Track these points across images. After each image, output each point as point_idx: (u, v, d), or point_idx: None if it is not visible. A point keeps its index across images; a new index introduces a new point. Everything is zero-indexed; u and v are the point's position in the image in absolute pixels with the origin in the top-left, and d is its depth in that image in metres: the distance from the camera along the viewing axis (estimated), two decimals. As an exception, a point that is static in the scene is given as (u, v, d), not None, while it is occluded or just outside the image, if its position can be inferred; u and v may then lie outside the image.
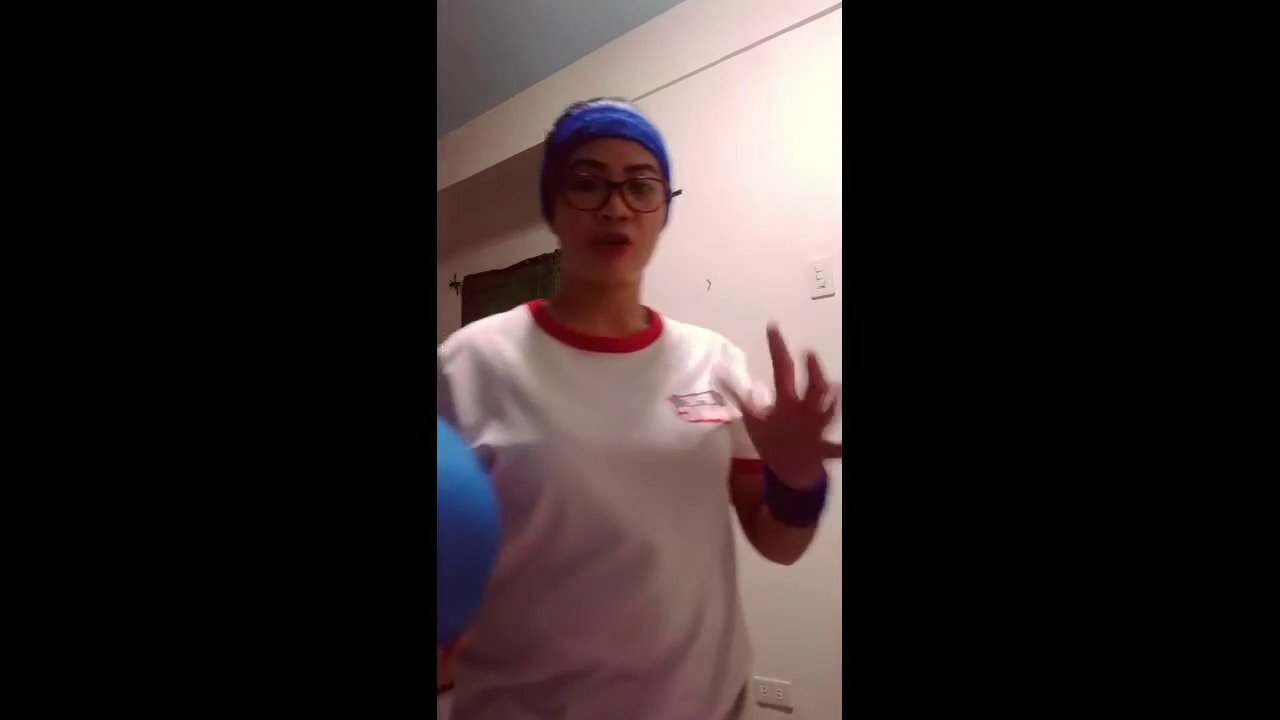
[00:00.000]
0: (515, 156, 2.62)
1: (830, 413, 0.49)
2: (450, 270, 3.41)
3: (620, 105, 0.64)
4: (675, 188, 0.68)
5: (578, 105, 0.66)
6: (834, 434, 0.50)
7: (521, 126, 2.60)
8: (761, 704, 1.70)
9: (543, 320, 0.66)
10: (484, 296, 3.22)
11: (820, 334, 1.69)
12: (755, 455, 0.58)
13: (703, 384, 0.65)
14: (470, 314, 3.27)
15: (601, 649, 0.55)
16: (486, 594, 0.48)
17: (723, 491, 0.64)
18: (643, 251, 0.63)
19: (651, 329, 0.68)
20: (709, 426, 0.61)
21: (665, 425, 0.60)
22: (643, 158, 0.61)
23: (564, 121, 0.65)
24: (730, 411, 0.62)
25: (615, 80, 2.28)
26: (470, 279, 3.31)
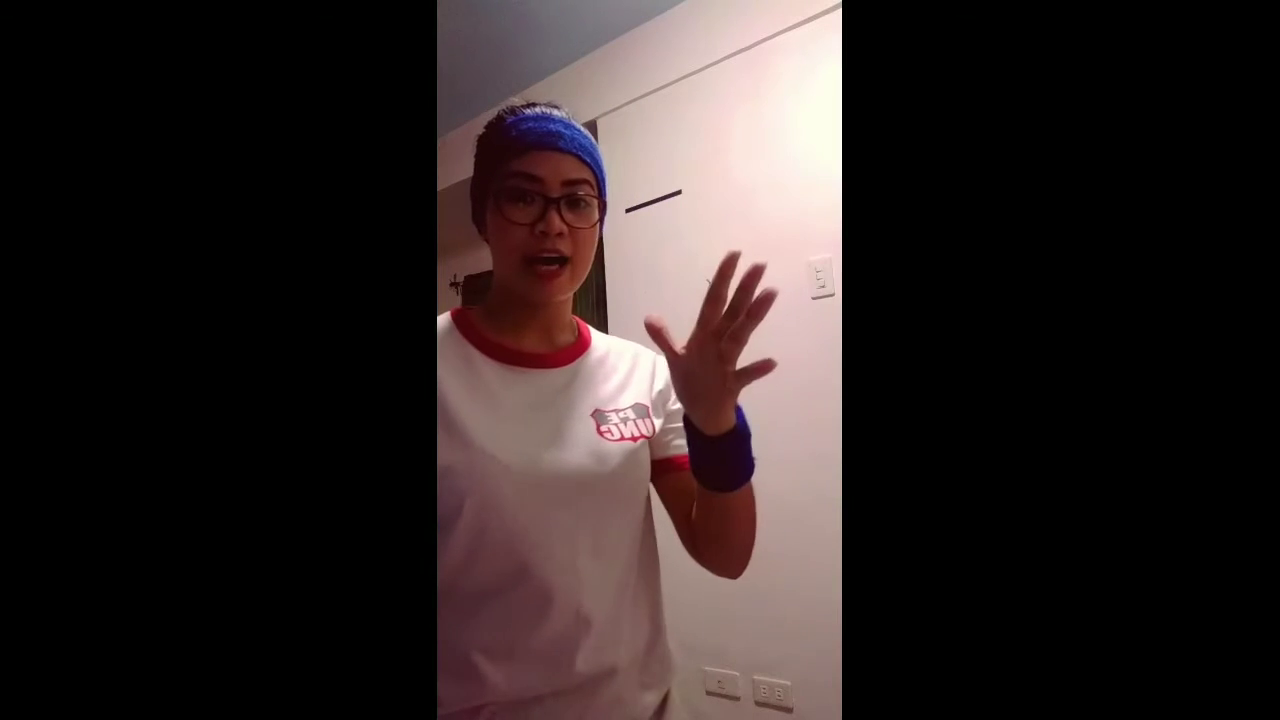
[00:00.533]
0: (515, 156, 2.62)
1: (738, 334, 0.49)
2: (450, 270, 3.41)
3: (557, 114, 0.62)
4: (606, 201, 0.66)
5: (511, 109, 0.63)
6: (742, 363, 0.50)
7: (521, 126, 2.60)
8: (761, 704, 1.70)
9: (468, 331, 0.64)
10: (484, 296, 3.22)
11: (820, 334, 1.70)
12: (683, 450, 0.59)
13: (627, 399, 0.64)
14: (470, 314, 3.27)
15: (528, 674, 0.55)
16: None
17: (641, 507, 0.64)
18: (579, 269, 0.61)
19: (578, 343, 0.68)
20: (630, 445, 0.61)
21: (585, 445, 0.59)
22: (580, 172, 0.59)
23: (498, 125, 0.62)
24: (651, 426, 0.62)
25: (615, 80, 2.28)
26: (470, 279, 3.31)
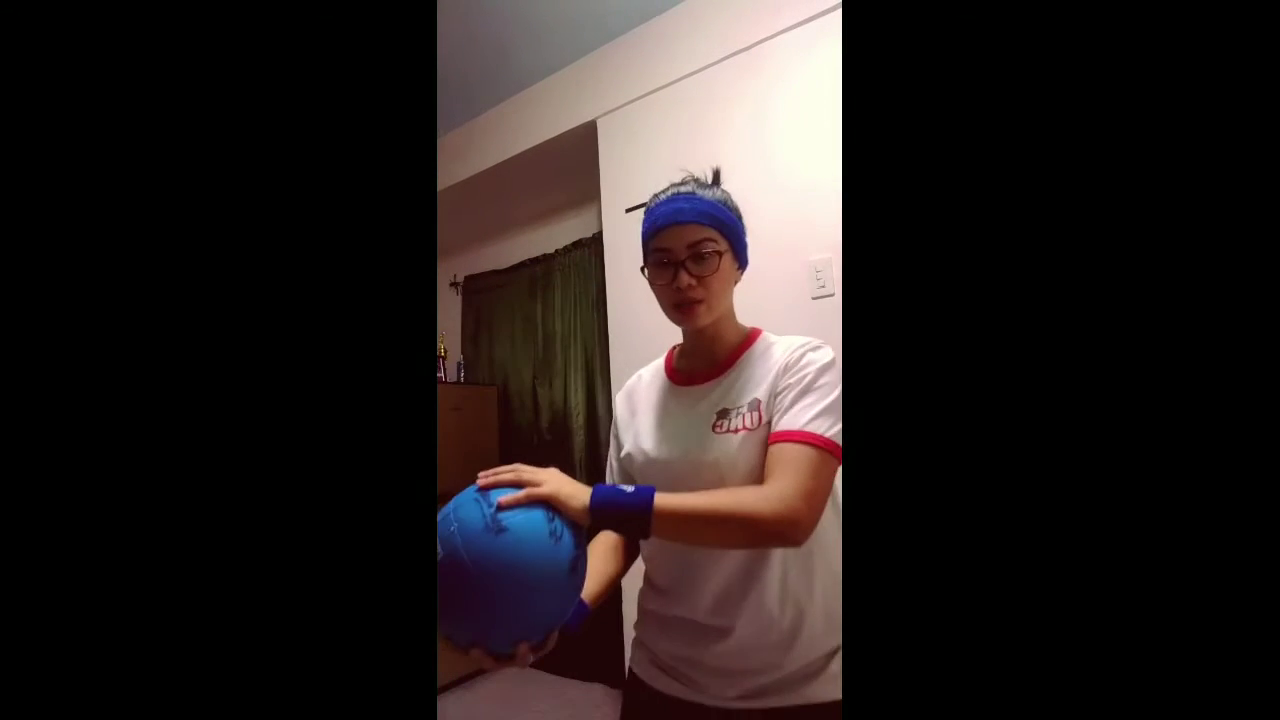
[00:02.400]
0: (515, 156, 2.62)
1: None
2: (450, 270, 3.41)
3: (683, 192, 0.80)
4: (745, 238, 0.84)
5: (655, 196, 0.83)
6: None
7: (521, 126, 2.60)
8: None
9: (667, 363, 0.91)
10: (484, 296, 3.22)
11: (820, 334, 1.69)
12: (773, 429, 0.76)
13: (748, 395, 0.78)
14: (470, 314, 3.27)
15: (664, 598, 0.82)
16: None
17: (751, 481, 0.76)
18: (713, 302, 0.79)
19: (733, 353, 0.83)
20: (734, 436, 0.76)
21: (700, 438, 0.78)
22: (700, 234, 0.77)
23: (645, 215, 0.84)
24: (758, 418, 0.76)
25: (615, 80, 2.28)
26: (470, 279, 3.31)
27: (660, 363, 0.92)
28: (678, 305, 0.79)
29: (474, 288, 3.28)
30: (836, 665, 0.74)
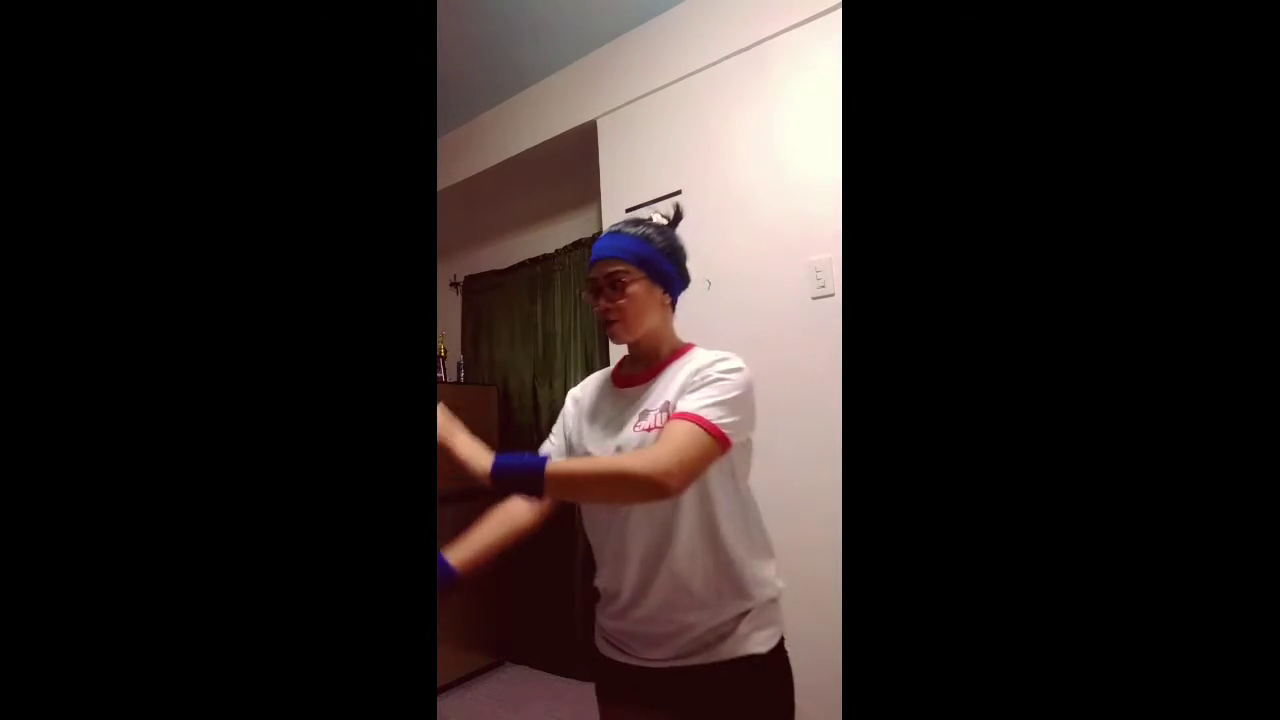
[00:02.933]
0: (515, 156, 2.62)
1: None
2: (450, 270, 3.40)
3: (611, 230, 0.95)
4: (670, 266, 0.95)
5: (598, 233, 0.99)
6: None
7: (521, 126, 2.60)
8: (761, 704, 1.69)
9: (615, 368, 1.02)
10: (484, 296, 3.22)
11: (820, 334, 1.70)
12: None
13: (666, 397, 0.89)
14: (470, 314, 3.27)
15: (605, 578, 0.93)
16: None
17: None
18: (629, 323, 0.92)
19: (662, 361, 0.95)
20: (649, 434, 0.88)
21: (625, 435, 0.90)
22: (614, 266, 0.91)
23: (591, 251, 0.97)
24: (665, 418, 0.86)
25: (615, 80, 2.28)
26: (470, 279, 3.31)
27: (603, 373, 1.06)
28: (603, 325, 0.95)
29: (474, 288, 3.28)
30: (744, 626, 0.86)
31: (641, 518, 0.86)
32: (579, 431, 0.98)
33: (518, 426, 2.97)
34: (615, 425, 0.92)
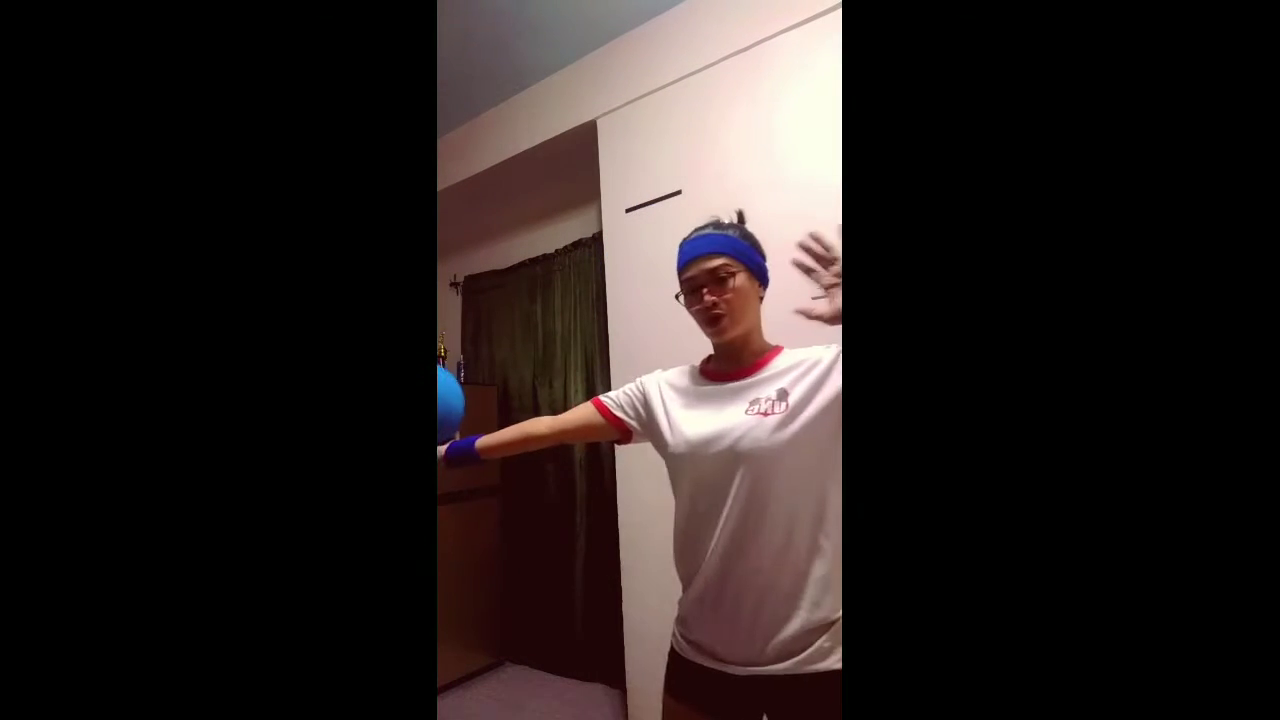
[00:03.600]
0: (515, 156, 2.62)
1: (830, 263, 0.83)
2: (450, 270, 3.41)
3: (703, 232, 0.99)
4: (762, 261, 0.99)
5: (684, 240, 1.01)
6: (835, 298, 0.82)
7: (521, 126, 2.60)
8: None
9: (703, 367, 1.05)
10: (484, 296, 3.22)
11: (820, 334, 1.69)
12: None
13: (774, 387, 0.91)
14: (470, 314, 3.27)
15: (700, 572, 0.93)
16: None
17: (765, 462, 0.88)
18: (736, 315, 0.94)
19: (762, 360, 0.97)
20: (762, 417, 0.89)
21: (739, 422, 0.90)
22: (717, 261, 0.94)
23: (678, 254, 1.01)
24: (786, 405, 0.89)
25: (615, 80, 2.28)
26: (470, 279, 3.31)
27: (688, 368, 1.07)
28: (709, 321, 0.95)
29: (474, 288, 3.28)
30: (829, 640, 0.85)
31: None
32: (670, 417, 0.99)
33: (518, 426, 2.97)
34: (721, 413, 0.93)
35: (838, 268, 0.81)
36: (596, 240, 2.63)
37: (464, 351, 3.26)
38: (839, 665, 0.84)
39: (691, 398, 0.99)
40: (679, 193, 2.06)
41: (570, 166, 2.64)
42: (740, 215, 1.06)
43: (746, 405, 0.91)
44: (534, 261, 2.98)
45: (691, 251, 0.96)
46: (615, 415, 1.06)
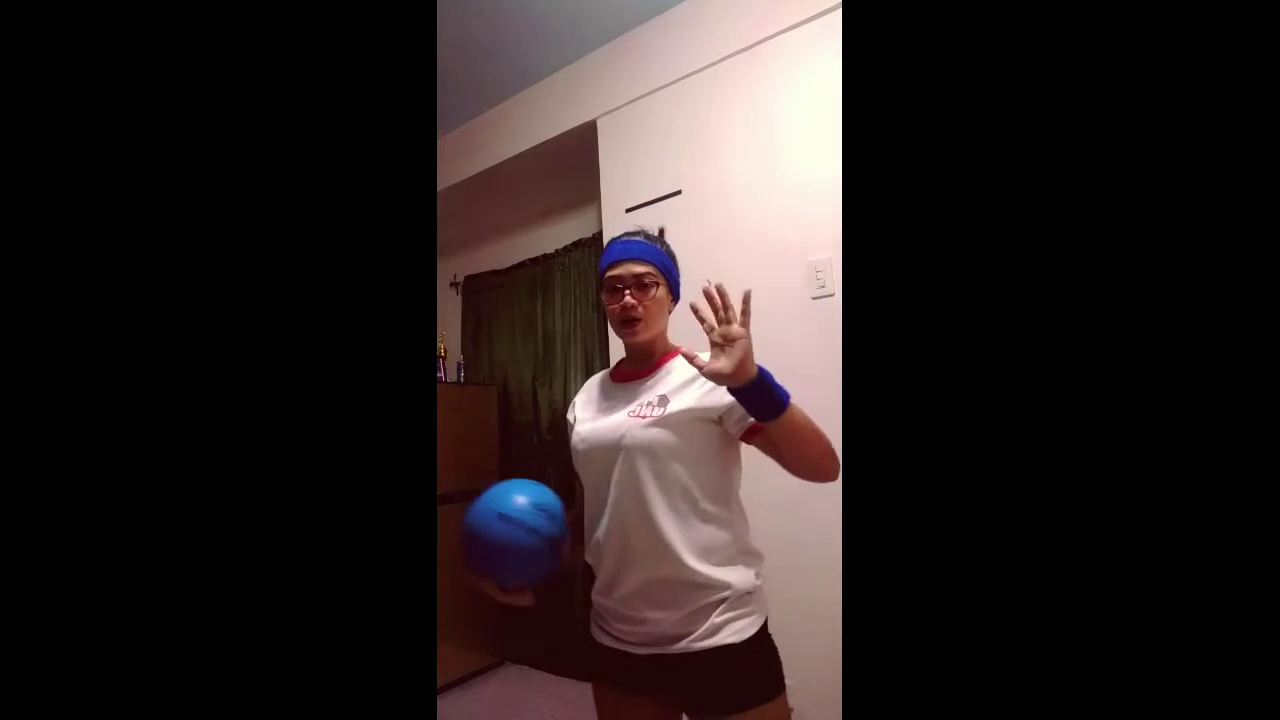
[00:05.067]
0: (515, 156, 2.62)
1: (722, 321, 0.82)
2: (450, 270, 3.41)
3: (634, 238, 1.04)
4: (678, 278, 1.08)
5: (611, 241, 1.07)
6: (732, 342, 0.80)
7: (521, 126, 2.60)
8: (761, 704, 1.69)
9: (614, 368, 1.12)
10: (484, 296, 3.22)
11: (820, 334, 1.70)
12: (746, 427, 0.93)
13: (658, 392, 0.98)
14: (470, 314, 3.27)
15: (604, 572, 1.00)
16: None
17: (643, 461, 0.95)
18: (650, 321, 1.00)
19: (658, 361, 1.04)
20: (640, 421, 0.96)
21: (625, 423, 0.97)
22: (644, 268, 1.01)
23: (605, 252, 1.06)
24: (662, 411, 0.94)
25: (615, 80, 2.28)
26: (470, 279, 3.31)
27: (607, 370, 1.15)
28: (624, 321, 1.01)
29: (474, 288, 3.28)
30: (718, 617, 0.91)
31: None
32: (579, 417, 1.07)
33: (517, 425, 2.97)
34: (610, 411, 1.02)
35: (728, 330, 0.82)
36: (596, 240, 2.63)
37: (464, 351, 3.26)
38: (735, 639, 0.90)
39: (598, 399, 1.08)
40: (679, 193, 2.06)
41: (570, 166, 2.63)
42: (661, 231, 1.15)
43: (632, 407, 0.98)
44: (534, 261, 2.98)
45: (623, 253, 1.03)
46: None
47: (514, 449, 2.98)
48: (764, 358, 0.82)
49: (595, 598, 1.02)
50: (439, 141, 2.96)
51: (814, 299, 1.76)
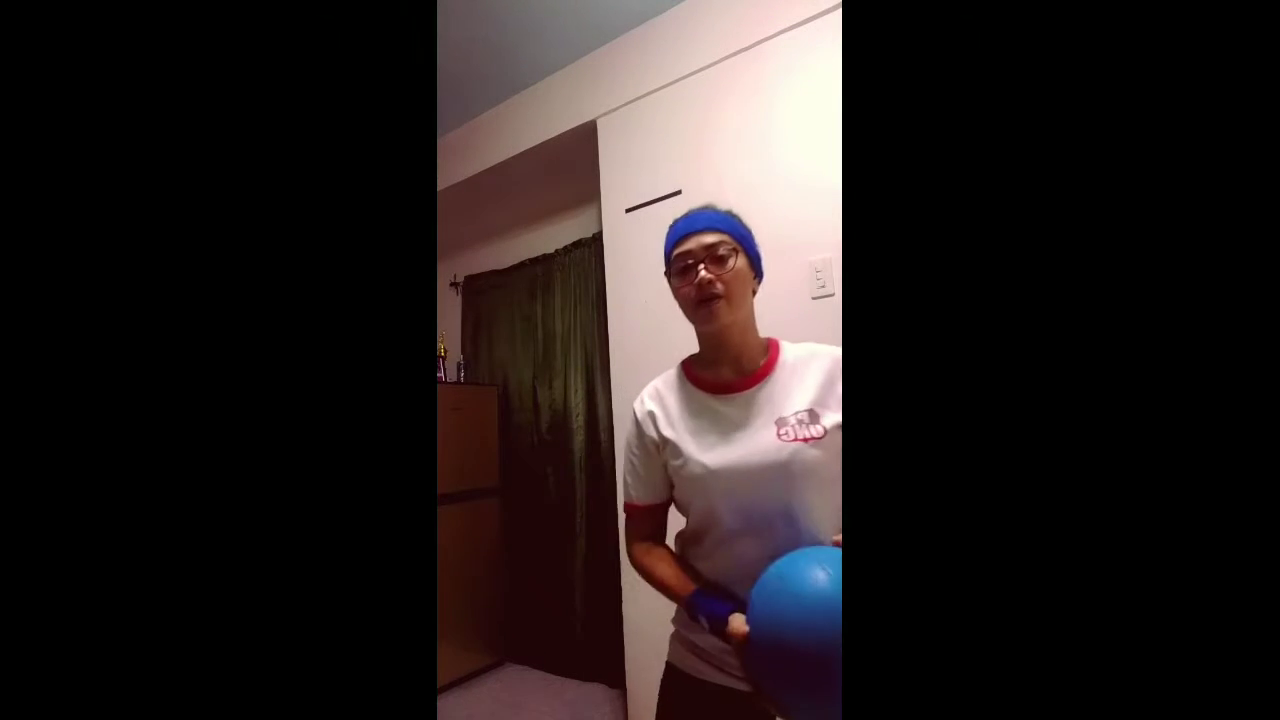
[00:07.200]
0: (515, 156, 2.62)
1: None
2: (450, 270, 3.41)
3: (699, 209, 0.89)
4: (758, 251, 0.90)
5: (674, 222, 0.91)
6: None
7: (521, 126, 2.60)
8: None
9: (688, 373, 0.92)
10: (484, 296, 3.22)
11: (820, 334, 1.69)
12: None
13: (801, 402, 0.83)
14: (470, 314, 3.27)
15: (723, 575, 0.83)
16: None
17: (815, 491, 0.80)
18: (732, 299, 0.83)
19: (767, 362, 0.88)
20: (801, 445, 0.80)
21: (766, 447, 0.81)
22: (715, 238, 0.84)
23: (668, 234, 0.91)
24: (821, 428, 0.80)
25: (615, 80, 2.28)
26: (470, 279, 3.31)
27: (677, 374, 0.93)
28: (700, 301, 0.83)
29: (474, 288, 3.28)
30: None
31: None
32: (685, 440, 0.85)
33: (517, 426, 2.98)
34: (732, 430, 0.83)
35: None
36: (596, 240, 2.63)
37: (464, 351, 3.26)
38: None
39: (693, 412, 0.87)
40: (679, 193, 2.06)
41: (570, 166, 2.64)
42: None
43: (772, 424, 0.81)
44: (534, 261, 2.98)
45: (686, 227, 0.86)
46: (651, 504, 0.91)
47: (514, 449, 2.98)
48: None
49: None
50: (439, 141, 2.96)
51: (814, 299, 1.76)
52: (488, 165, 2.72)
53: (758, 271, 0.90)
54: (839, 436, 0.79)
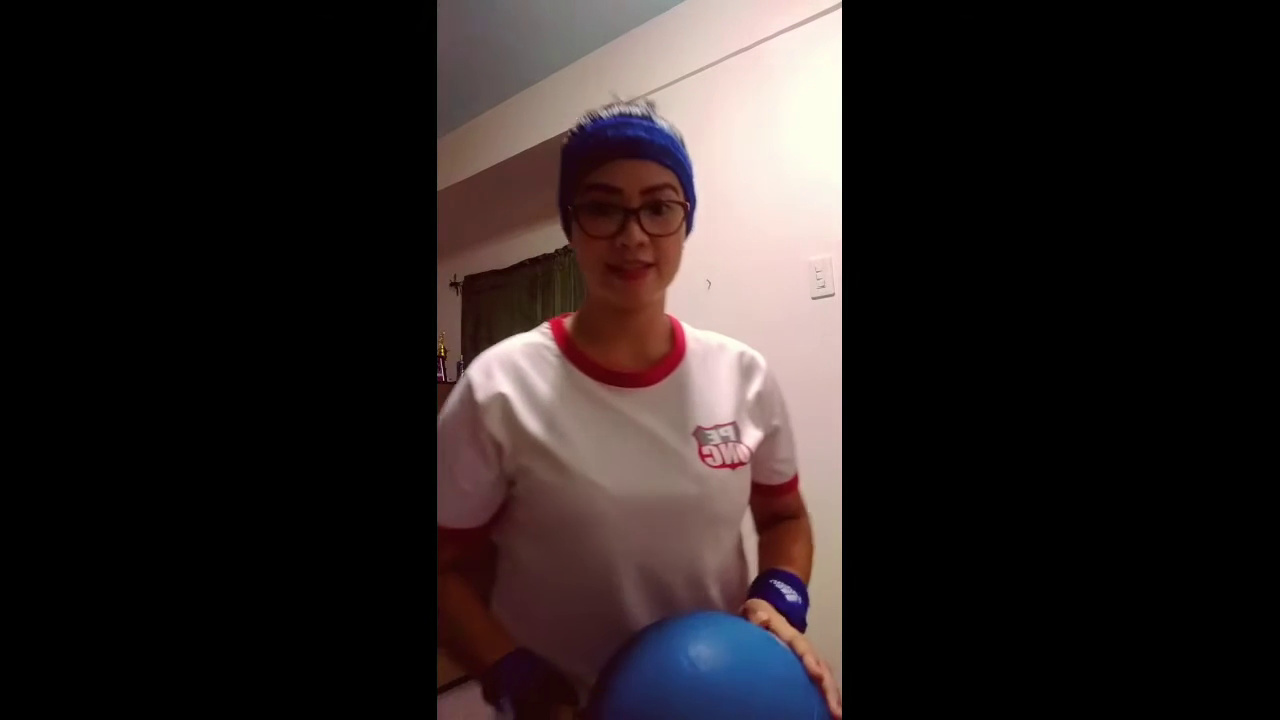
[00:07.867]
0: (515, 156, 2.62)
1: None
2: (450, 270, 3.41)
3: (636, 116, 0.59)
4: (694, 194, 0.64)
5: (591, 115, 0.60)
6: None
7: (521, 126, 2.60)
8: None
9: (567, 348, 0.65)
10: (484, 296, 3.22)
11: (820, 334, 1.70)
12: (785, 478, 0.67)
13: (725, 411, 0.63)
14: (470, 314, 3.27)
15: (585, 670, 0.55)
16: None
17: (724, 539, 0.63)
18: (665, 272, 0.60)
19: (674, 352, 0.66)
20: (730, 472, 0.59)
21: (688, 470, 0.58)
22: (661, 176, 0.56)
23: (577, 134, 0.60)
24: (746, 450, 0.61)
25: (615, 80, 2.28)
26: (470, 279, 3.31)
27: (547, 347, 0.65)
28: (619, 269, 0.57)
29: (474, 288, 3.28)
30: None
31: None
32: (556, 442, 0.58)
33: (518, 426, 2.97)
34: (649, 444, 0.59)
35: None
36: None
37: (464, 351, 3.26)
38: None
39: (587, 415, 0.59)
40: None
41: (570, 166, 2.63)
42: (651, 105, 0.63)
43: (691, 438, 0.59)
44: (534, 261, 2.98)
45: (622, 145, 0.55)
46: (464, 528, 0.60)
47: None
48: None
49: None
50: (439, 141, 2.96)
51: (814, 299, 1.76)
52: (488, 165, 2.72)
53: (690, 225, 0.64)
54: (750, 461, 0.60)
